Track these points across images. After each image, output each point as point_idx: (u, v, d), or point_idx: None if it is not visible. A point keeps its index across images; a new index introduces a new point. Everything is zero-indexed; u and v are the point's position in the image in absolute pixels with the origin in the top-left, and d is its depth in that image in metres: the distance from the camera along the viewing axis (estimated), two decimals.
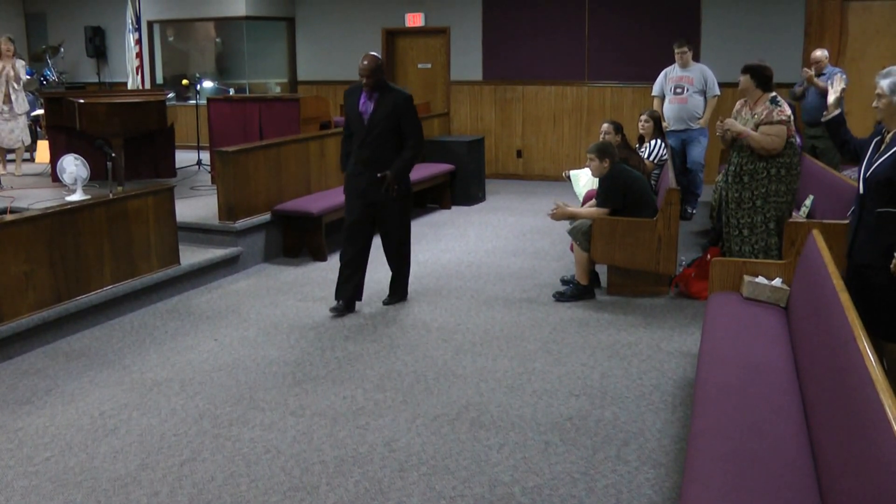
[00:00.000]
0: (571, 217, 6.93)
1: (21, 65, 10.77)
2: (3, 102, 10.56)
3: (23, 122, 10.94)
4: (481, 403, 4.86)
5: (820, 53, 9.41)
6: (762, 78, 6.25)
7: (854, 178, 5.23)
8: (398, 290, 6.83)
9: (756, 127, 6.17)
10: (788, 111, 6.23)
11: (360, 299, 6.63)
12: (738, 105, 6.53)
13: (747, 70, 6.28)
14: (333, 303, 6.58)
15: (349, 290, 6.51)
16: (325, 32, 14.25)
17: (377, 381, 5.21)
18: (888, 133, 4.37)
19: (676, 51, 9.75)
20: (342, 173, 6.65)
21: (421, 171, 10.37)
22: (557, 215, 6.90)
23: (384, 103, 6.26)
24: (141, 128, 10.05)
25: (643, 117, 8.66)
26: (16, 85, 10.60)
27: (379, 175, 6.27)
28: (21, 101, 10.78)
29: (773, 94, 6.30)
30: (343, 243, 6.53)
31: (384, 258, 6.82)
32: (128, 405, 4.91)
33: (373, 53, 6.26)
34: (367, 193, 6.38)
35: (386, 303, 6.75)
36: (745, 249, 6.34)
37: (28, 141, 11.28)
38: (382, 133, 6.28)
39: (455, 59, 13.39)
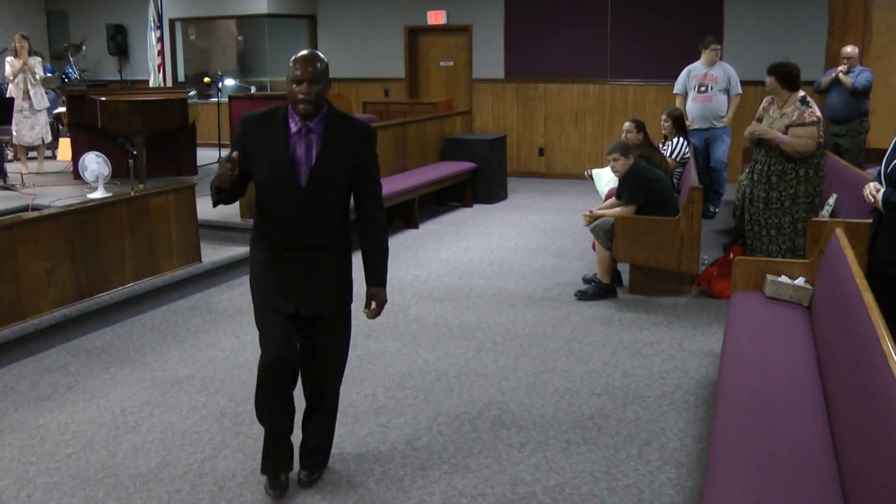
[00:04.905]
0: (601, 217, 6.92)
1: (38, 61, 10.78)
2: (23, 100, 10.59)
3: (43, 118, 10.90)
4: (503, 402, 4.85)
5: (850, 50, 9.33)
6: (788, 78, 6.22)
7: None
8: (323, 452, 4.06)
9: (786, 127, 6.14)
10: (818, 112, 6.21)
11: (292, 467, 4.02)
12: (764, 103, 6.49)
13: (773, 71, 6.24)
14: (268, 470, 3.94)
15: (288, 459, 3.93)
16: (347, 30, 14.26)
17: (398, 379, 5.20)
18: None
19: (712, 47, 9.60)
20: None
21: (442, 170, 10.37)
22: (589, 220, 6.89)
23: (336, 143, 3.59)
24: (162, 125, 10.08)
25: (662, 117, 8.64)
26: (33, 80, 10.60)
27: (366, 313, 3.79)
28: (40, 98, 10.75)
29: (802, 93, 6.27)
30: (262, 391, 3.80)
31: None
32: (149, 402, 4.93)
33: (312, 52, 3.55)
34: (299, 302, 3.70)
35: (305, 482, 3.95)
36: (773, 249, 6.33)
37: (49, 138, 11.26)
38: (332, 195, 3.65)
39: (477, 56, 13.36)
